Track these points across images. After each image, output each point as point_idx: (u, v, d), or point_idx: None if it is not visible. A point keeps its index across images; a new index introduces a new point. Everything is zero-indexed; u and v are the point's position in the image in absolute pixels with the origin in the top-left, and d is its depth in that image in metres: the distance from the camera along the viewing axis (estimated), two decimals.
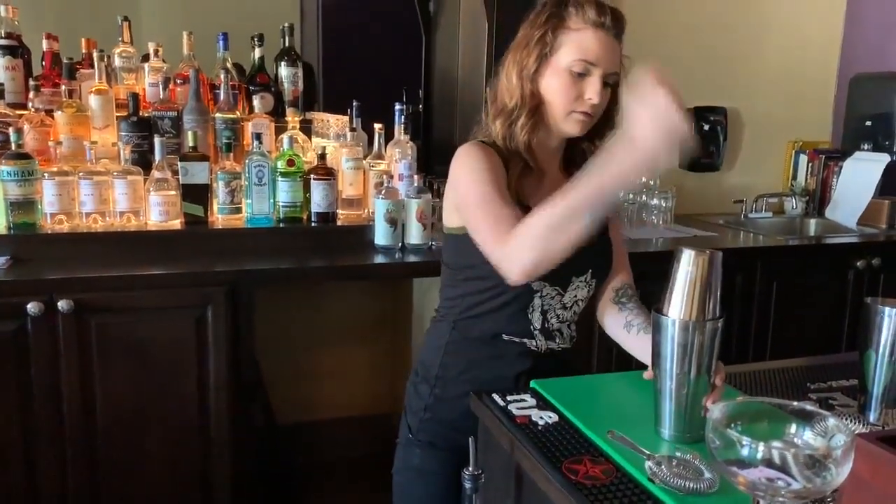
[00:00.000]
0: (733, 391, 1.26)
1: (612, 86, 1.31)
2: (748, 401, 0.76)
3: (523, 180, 1.35)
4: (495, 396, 1.24)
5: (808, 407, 0.69)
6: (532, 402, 1.22)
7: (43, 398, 1.92)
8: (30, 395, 1.91)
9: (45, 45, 2.37)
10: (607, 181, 1.08)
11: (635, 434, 1.06)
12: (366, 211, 2.45)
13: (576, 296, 1.39)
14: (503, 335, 1.38)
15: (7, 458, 1.92)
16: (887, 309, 1.13)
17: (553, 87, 1.29)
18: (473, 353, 1.40)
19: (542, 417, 1.16)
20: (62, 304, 1.88)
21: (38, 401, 1.91)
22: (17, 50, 2.30)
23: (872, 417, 1.17)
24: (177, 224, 2.23)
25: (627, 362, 2.46)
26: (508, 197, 1.27)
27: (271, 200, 2.32)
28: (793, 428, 0.69)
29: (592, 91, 1.28)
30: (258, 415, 2.50)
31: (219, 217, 2.29)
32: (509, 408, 1.20)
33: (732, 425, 0.66)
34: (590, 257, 1.34)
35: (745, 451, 0.64)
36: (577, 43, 1.27)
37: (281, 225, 2.33)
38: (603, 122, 1.37)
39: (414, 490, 1.46)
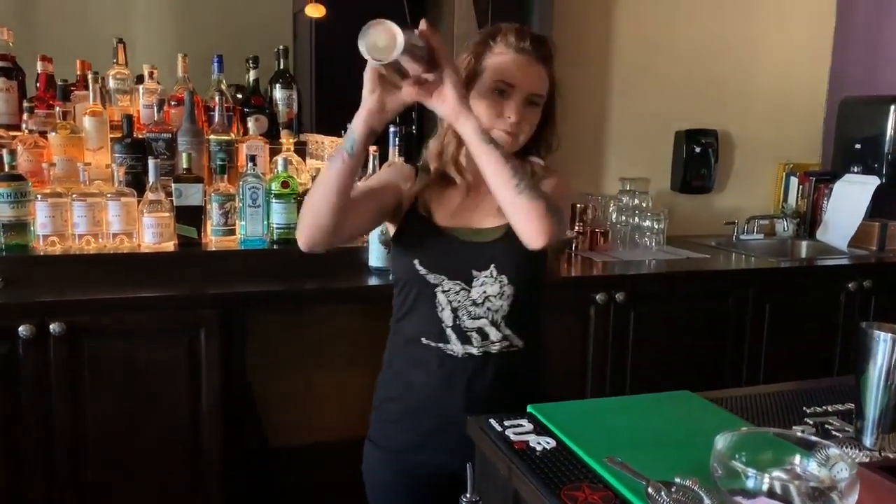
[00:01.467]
0: (737, 420, 1.26)
1: (538, 106, 1.39)
2: (753, 431, 0.76)
3: (443, 192, 1.43)
4: (492, 421, 1.23)
5: (813, 438, 0.69)
6: (529, 426, 1.21)
7: (32, 422, 1.90)
8: (19, 419, 1.89)
9: (39, 66, 2.38)
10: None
11: (634, 459, 1.06)
12: None
13: (485, 292, 1.38)
14: (422, 339, 1.41)
15: None
16: (882, 334, 1.13)
17: (478, 106, 1.36)
18: (402, 355, 1.47)
19: (539, 443, 1.15)
20: (54, 327, 1.87)
21: (28, 424, 1.90)
22: (12, 71, 2.30)
23: (869, 442, 1.17)
24: (170, 246, 2.22)
25: (621, 385, 2.47)
26: (367, 192, 1.41)
27: (265, 222, 2.31)
28: (797, 458, 0.69)
29: (510, 110, 1.35)
30: (250, 438, 2.48)
31: (212, 239, 2.29)
32: (506, 433, 1.19)
33: (737, 455, 0.65)
34: (490, 252, 1.37)
35: (749, 483, 0.64)
36: (498, 65, 1.36)
37: (275, 247, 2.32)
38: (541, 144, 1.45)
39: (367, 485, 1.54)
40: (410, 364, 1.45)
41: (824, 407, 1.36)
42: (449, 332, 1.39)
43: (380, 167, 2.49)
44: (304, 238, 1.31)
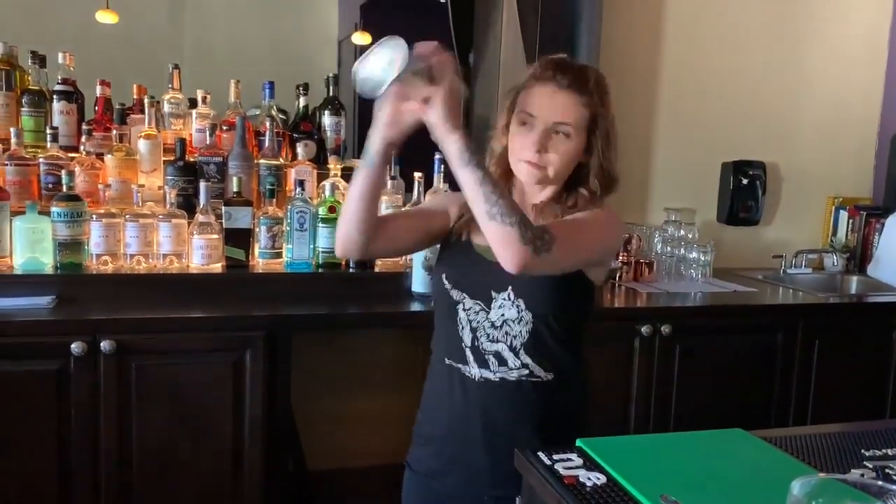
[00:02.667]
0: (793, 461, 1.22)
1: (567, 135, 1.34)
2: (829, 479, 0.74)
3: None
4: (541, 455, 1.21)
5: (894, 487, 0.66)
6: (579, 461, 1.19)
7: (81, 437, 1.93)
8: (68, 434, 1.92)
9: (98, 90, 2.45)
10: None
11: (689, 499, 1.03)
12: (404, 258, 2.46)
13: (503, 315, 1.36)
14: (446, 359, 1.42)
15: (43, 493, 1.93)
16: None
17: (511, 138, 1.38)
18: (433, 376, 1.47)
19: (589, 478, 1.13)
20: (105, 345, 1.90)
21: (76, 439, 1.93)
22: (72, 95, 2.37)
23: None
24: (218, 267, 2.25)
25: (665, 419, 2.42)
26: (407, 211, 1.54)
27: (311, 246, 2.34)
28: None
29: (529, 139, 1.33)
30: (290, 460, 2.48)
31: (259, 261, 2.32)
32: (555, 467, 1.17)
33: (814, 502, 0.64)
34: (508, 273, 1.28)
35: None
36: (524, 97, 1.37)
37: (320, 270, 2.35)
38: (587, 175, 1.39)
39: None
40: (438, 386, 1.45)
41: (884, 450, 1.32)
42: (468, 352, 1.39)
43: (425, 193, 2.51)
44: (338, 244, 1.36)
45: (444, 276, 1.42)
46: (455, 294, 1.39)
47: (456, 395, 1.41)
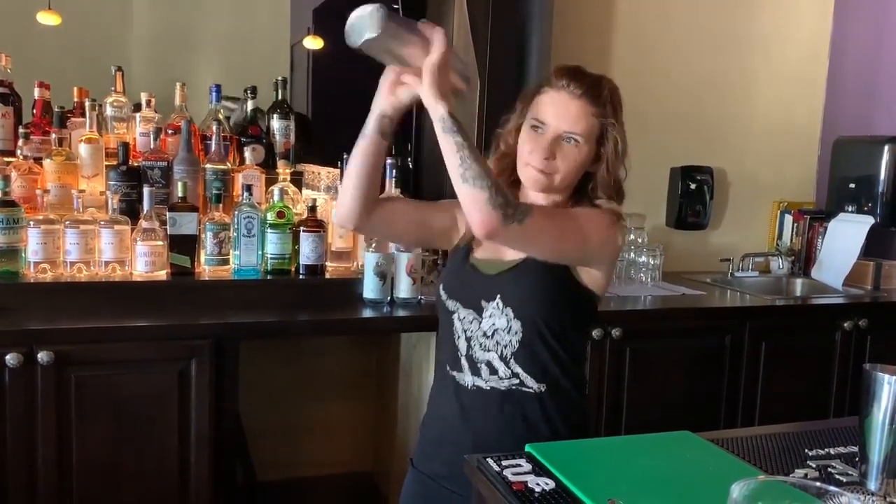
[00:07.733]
0: (739, 462, 1.23)
1: (576, 144, 1.36)
2: (770, 480, 0.74)
3: None
4: (489, 461, 1.20)
5: (833, 488, 0.67)
6: (528, 467, 1.18)
7: (17, 453, 1.85)
8: (3, 448, 1.84)
9: (36, 93, 2.37)
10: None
11: (637, 502, 1.03)
12: (355, 264, 2.44)
13: (493, 324, 1.38)
14: (446, 366, 1.44)
15: None
16: (887, 377, 1.11)
17: (519, 143, 1.40)
18: (436, 382, 1.51)
19: (538, 484, 1.12)
20: (42, 356, 1.83)
21: (12, 456, 1.85)
22: (9, 98, 2.29)
23: (873, 487, 1.15)
24: (163, 275, 2.19)
25: (617, 422, 2.44)
26: (409, 199, 1.60)
27: (259, 252, 2.30)
28: None
29: (539, 146, 1.35)
30: (239, 471, 2.43)
31: (205, 268, 2.26)
32: (504, 473, 1.16)
33: None
34: (499, 283, 1.37)
35: None
36: (537, 104, 1.39)
37: (268, 277, 2.30)
38: (597, 185, 1.41)
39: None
40: (439, 391, 1.48)
41: (826, 450, 1.34)
42: (463, 360, 1.41)
43: None
44: (336, 213, 1.41)
45: (441, 286, 1.47)
46: (450, 304, 1.43)
47: (451, 402, 1.43)
